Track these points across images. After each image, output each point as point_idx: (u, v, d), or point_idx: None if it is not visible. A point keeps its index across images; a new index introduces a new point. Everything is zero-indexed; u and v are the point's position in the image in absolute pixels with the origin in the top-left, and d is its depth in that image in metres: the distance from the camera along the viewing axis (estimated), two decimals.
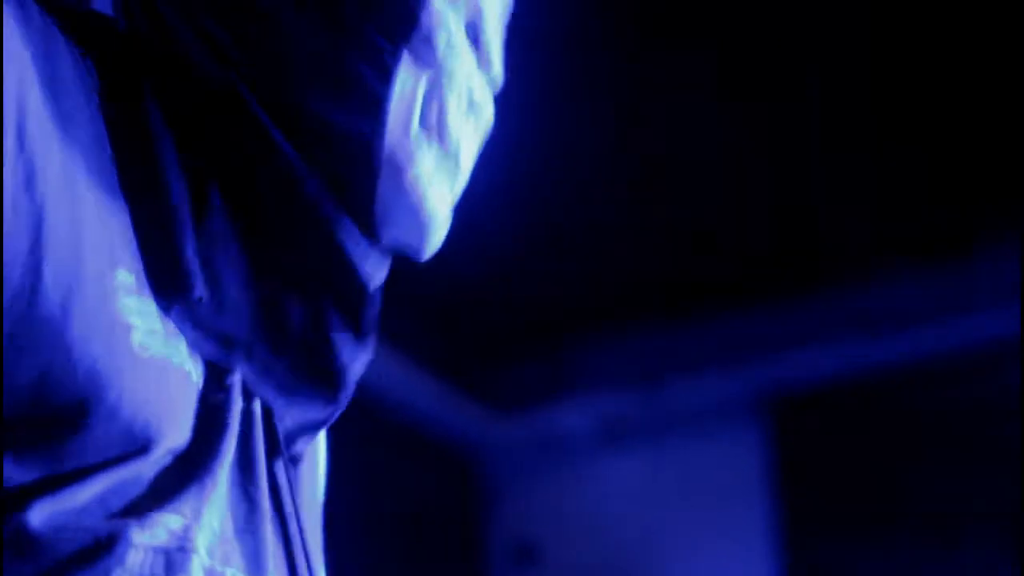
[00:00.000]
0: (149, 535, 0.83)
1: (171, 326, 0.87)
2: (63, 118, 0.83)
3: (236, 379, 0.91)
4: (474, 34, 0.96)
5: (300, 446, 0.98)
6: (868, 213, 3.57)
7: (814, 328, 3.88)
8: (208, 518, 0.86)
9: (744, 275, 3.83)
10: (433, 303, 3.73)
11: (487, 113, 0.98)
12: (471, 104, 0.96)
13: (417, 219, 0.94)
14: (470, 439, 4.29)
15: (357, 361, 0.95)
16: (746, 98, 3.30)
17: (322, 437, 1.09)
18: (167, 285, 0.86)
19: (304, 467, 1.01)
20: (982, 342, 3.70)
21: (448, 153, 0.95)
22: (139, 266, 0.85)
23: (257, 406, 0.93)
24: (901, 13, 3.02)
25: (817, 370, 3.91)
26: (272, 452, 0.94)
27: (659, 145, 3.45)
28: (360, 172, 0.91)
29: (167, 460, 0.85)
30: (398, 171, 0.92)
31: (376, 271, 0.95)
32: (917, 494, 3.75)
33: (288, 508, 0.95)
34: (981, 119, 3.25)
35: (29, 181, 0.80)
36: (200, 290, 0.87)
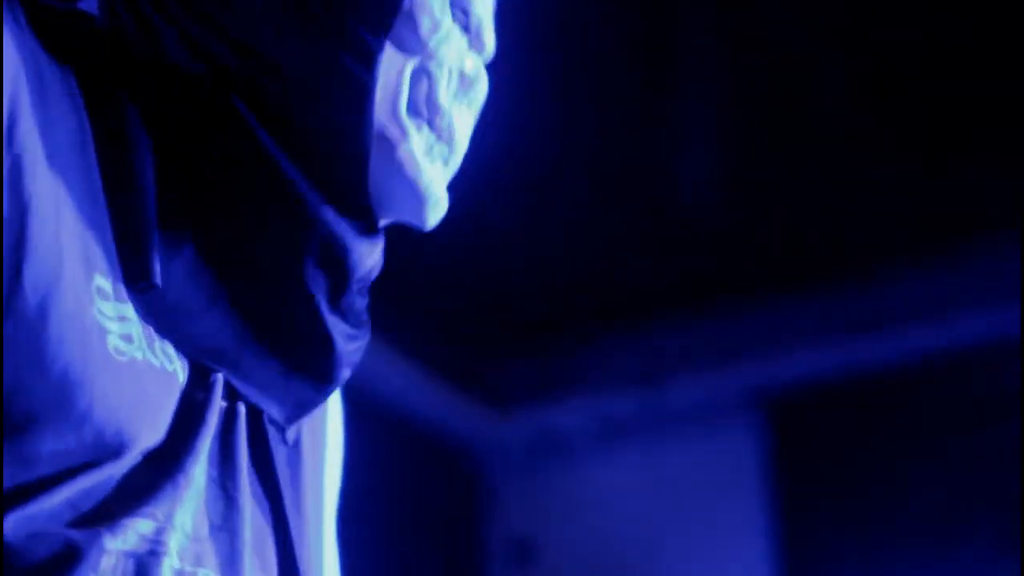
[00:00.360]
0: (121, 540, 0.83)
1: (151, 329, 0.87)
2: (48, 122, 0.84)
3: (218, 378, 0.91)
4: (463, 15, 0.97)
5: (293, 422, 0.98)
6: (867, 212, 3.57)
7: (812, 327, 3.88)
8: (180, 518, 0.86)
9: (743, 274, 3.83)
10: (432, 302, 3.73)
11: (480, 89, 0.99)
12: (462, 83, 0.97)
13: (414, 193, 0.94)
14: (469, 438, 4.29)
15: (352, 346, 0.95)
16: (746, 100, 3.30)
17: (338, 432, 1.09)
18: (137, 283, 0.86)
19: (308, 461, 1.00)
20: (981, 341, 3.69)
21: (440, 135, 0.96)
22: (117, 271, 0.85)
23: (241, 404, 0.93)
24: (901, 12, 3.02)
25: (815, 369, 3.91)
26: (262, 448, 0.94)
27: (658, 146, 3.45)
28: (350, 156, 0.92)
29: (139, 461, 0.85)
30: (389, 149, 0.93)
31: (367, 256, 0.95)
32: (915, 493, 3.75)
33: (284, 504, 0.94)
34: (980, 117, 3.25)
35: (16, 180, 0.80)
36: (157, 278, 0.87)
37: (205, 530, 0.88)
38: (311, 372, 0.94)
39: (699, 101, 3.29)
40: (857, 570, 3.79)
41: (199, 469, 0.88)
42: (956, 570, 3.64)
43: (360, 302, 0.96)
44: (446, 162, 0.97)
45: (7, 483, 0.80)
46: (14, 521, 0.80)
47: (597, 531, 4.13)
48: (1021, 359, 3.55)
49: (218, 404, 0.91)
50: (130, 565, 0.83)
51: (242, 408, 0.93)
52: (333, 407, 1.09)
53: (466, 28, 0.97)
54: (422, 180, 0.94)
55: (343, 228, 0.92)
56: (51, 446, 0.81)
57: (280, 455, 0.96)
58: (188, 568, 0.86)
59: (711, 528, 3.99)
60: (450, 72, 0.96)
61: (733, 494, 3.99)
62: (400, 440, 4.04)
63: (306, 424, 1.00)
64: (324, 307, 0.92)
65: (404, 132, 0.93)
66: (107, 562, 0.82)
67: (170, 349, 0.88)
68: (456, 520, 4.29)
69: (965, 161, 3.38)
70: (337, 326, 0.93)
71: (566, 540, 4.18)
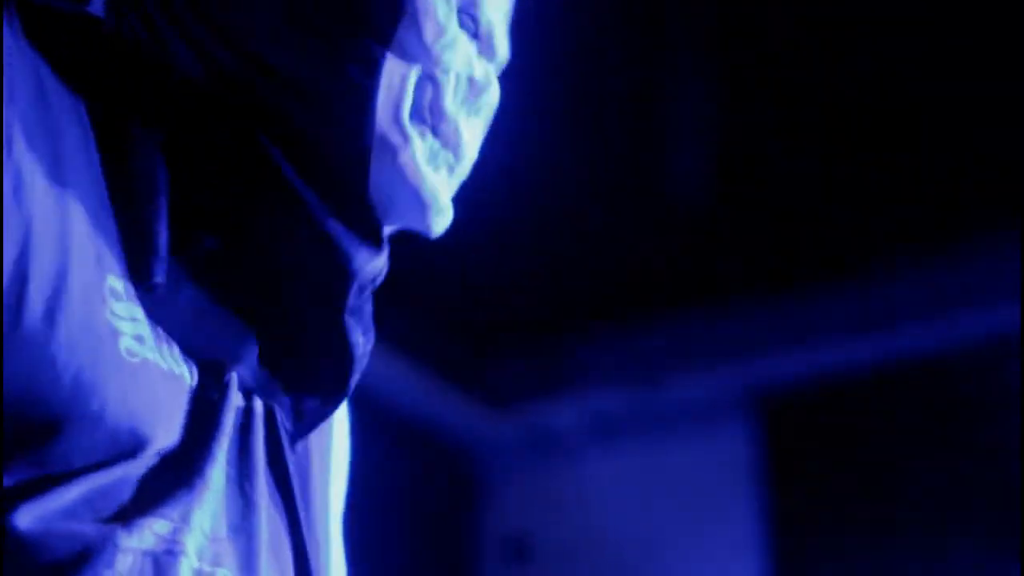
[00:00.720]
0: (137, 539, 0.83)
1: (159, 331, 0.87)
2: (51, 126, 0.84)
3: (232, 377, 0.91)
4: (472, 21, 0.96)
5: (305, 435, 0.98)
6: (862, 210, 3.57)
7: (808, 326, 3.88)
8: (199, 519, 0.86)
9: (738, 273, 3.83)
10: (429, 299, 3.73)
11: (491, 97, 0.99)
12: (471, 90, 0.96)
13: (416, 199, 0.94)
14: (465, 435, 4.29)
15: (361, 351, 0.96)
16: (745, 99, 3.30)
17: (344, 433, 1.09)
18: (146, 283, 0.87)
19: (316, 461, 1.01)
20: (977, 339, 3.70)
21: (445, 142, 0.95)
22: (127, 271, 0.86)
23: (258, 403, 0.93)
24: (900, 12, 3.02)
25: (811, 368, 3.91)
26: (277, 448, 0.94)
27: (654, 144, 3.45)
28: (351, 162, 0.92)
29: (155, 462, 0.86)
30: (390, 155, 0.92)
31: (367, 263, 0.95)
32: (911, 492, 3.75)
33: (297, 503, 0.95)
34: (978, 115, 3.26)
35: (16, 190, 0.80)
36: (161, 277, 0.87)
37: (224, 530, 0.88)
38: (323, 382, 0.95)
39: (696, 100, 3.29)
40: (851, 569, 3.79)
41: (217, 470, 0.88)
42: (953, 569, 3.64)
43: (366, 309, 0.96)
44: (452, 170, 0.96)
45: (22, 479, 0.81)
46: (28, 515, 0.80)
47: (593, 528, 4.14)
48: (1019, 358, 3.55)
49: (234, 404, 0.91)
50: (148, 564, 0.83)
51: (259, 407, 0.93)
52: (339, 408, 1.09)
53: (475, 34, 0.96)
54: (425, 187, 0.94)
55: (345, 235, 0.92)
56: (65, 448, 0.81)
57: (291, 455, 0.96)
58: (207, 568, 0.86)
59: (706, 525, 3.99)
60: (457, 78, 0.95)
61: (728, 492, 3.99)
62: (397, 437, 4.04)
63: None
64: (340, 312, 0.93)
65: (406, 138, 0.93)
66: (124, 560, 0.82)
67: (176, 352, 0.88)
68: (452, 517, 4.29)
69: (964, 160, 3.38)
70: (353, 331, 0.94)
71: (562, 537, 4.19)
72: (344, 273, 0.93)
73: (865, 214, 3.57)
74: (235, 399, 0.91)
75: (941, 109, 3.25)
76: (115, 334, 0.83)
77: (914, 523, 3.71)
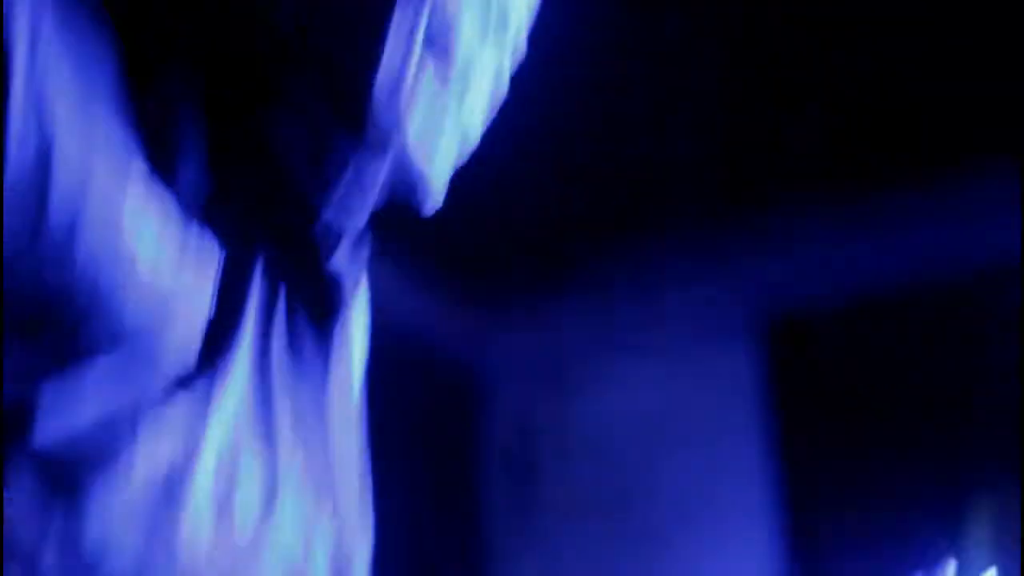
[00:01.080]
0: (151, 458, 0.84)
1: (187, 216, 0.89)
2: (78, 45, 0.84)
3: (258, 260, 0.93)
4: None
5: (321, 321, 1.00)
6: (871, 135, 3.51)
7: (813, 245, 3.84)
8: (213, 436, 0.88)
9: (742, 192, 3.77)
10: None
11: (517, 29, 0.99)
12: (500, 20, 0.97)
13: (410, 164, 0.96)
14: (465, 348, 4.23)
15: (349, 266, 1.00)
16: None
17: (364, 302, 1.10)
18: (175, 177, 0.88)
19: (338, 342, 1.04)
20: (981, 261, 3.66)
21: (451, 75, 0.95)
22: (148, 169, 0.86)
23: (281, 284, 0.96)
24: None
25: (817, 290, 3.88)
26: (295, 321, 0.96)
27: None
28: (356, 95, 0.93)
29: (171, 379, 0.87)
30: (392, 97, 0.93)
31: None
32: (916, 412, 3.72)
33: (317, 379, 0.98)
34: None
35: (39, 104, 0.81)
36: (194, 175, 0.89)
37: (247, 416, 0.91)
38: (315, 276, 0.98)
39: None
40: (859, 489, 3.75)
41: (242, 353, 0.90)
42: (961, 488, 3.62)
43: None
44: (456, 113, 0.98)
45: (38, 391, 0.82)
46: (49, 434, 0.81)
47: (596, 443, 4.09)
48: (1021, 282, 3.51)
49: (257, 290, 0.93)
50: (160, 483, 0.84)
51: (282, 289, 0.96)
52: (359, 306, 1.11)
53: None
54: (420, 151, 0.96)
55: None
56: (81, 359, 0.83)
57: (310, 336, 0.98)
58: (223, 485, 0.88)
59: (709, 446, 3.95)
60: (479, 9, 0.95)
61: (732, 412, 3.96)
62: (397, 351, 3.99)
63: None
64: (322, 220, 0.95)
65: (412, 81, 0.93)
66: (137, 477, 0.83)
67: (206, 234, 0.90)
68: (454, 431, 4.24)
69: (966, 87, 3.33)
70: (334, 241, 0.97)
71: (565, 452, 4.13)
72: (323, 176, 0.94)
73: (872, 138, 3.47)
74: (258, 281, 0.93)
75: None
76: (133, 248, 0.84)
77: (920, 443, 3.68)
